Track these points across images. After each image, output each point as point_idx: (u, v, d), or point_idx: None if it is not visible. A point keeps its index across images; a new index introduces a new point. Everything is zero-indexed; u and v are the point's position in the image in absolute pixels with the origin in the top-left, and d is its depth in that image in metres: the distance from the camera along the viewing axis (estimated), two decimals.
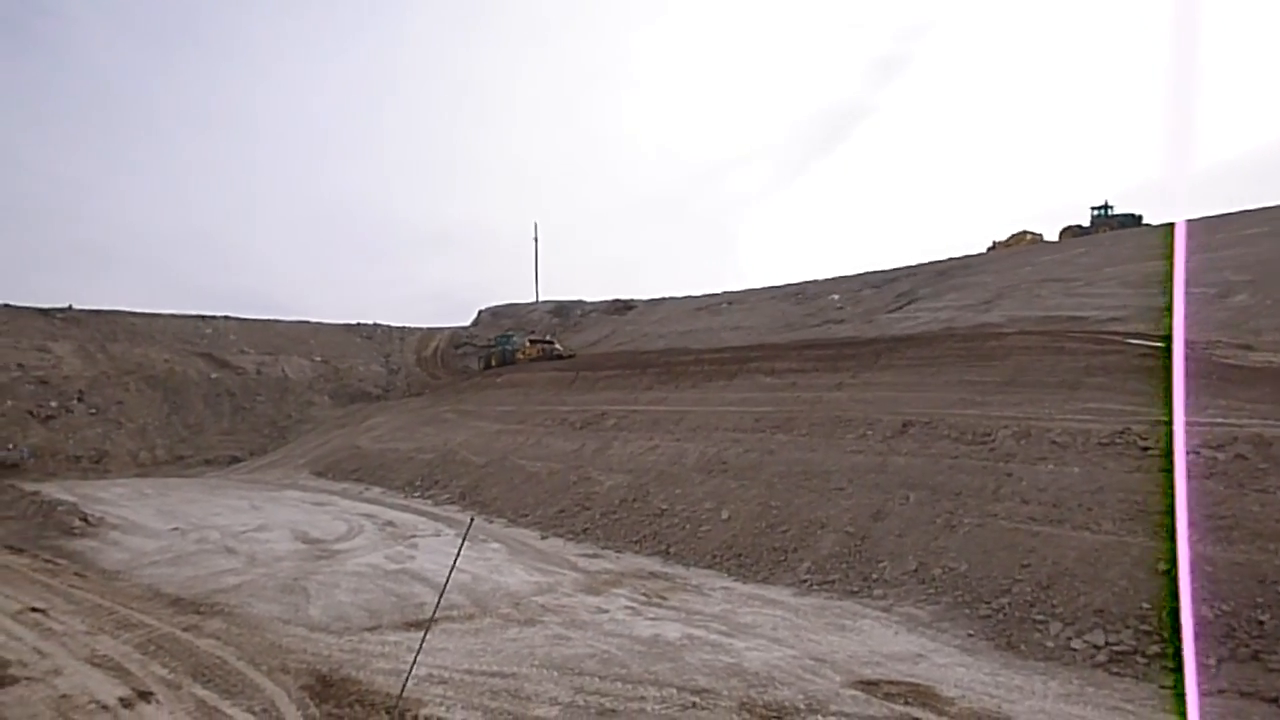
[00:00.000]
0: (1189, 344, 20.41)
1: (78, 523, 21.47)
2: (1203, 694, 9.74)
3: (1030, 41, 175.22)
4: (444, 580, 10.46)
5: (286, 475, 36.21)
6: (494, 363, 52.23)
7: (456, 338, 68.49)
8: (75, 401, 42.77)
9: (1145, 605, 11.53)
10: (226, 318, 60.06)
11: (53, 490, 28.12)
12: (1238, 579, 11.22)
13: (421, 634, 10.54)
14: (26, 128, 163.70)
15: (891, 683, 10.32)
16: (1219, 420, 15.11)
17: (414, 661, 9.37)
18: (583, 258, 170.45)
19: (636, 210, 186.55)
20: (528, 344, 51.28)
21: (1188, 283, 27.58)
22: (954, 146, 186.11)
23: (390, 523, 23.19)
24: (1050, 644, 11.74)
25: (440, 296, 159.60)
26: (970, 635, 12.50)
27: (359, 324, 67.51)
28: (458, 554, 9.72)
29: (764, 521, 18.22)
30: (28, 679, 10.00)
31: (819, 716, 9.14)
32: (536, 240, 78.83)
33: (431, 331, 70.36)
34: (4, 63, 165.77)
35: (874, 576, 15.15)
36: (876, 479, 17.95)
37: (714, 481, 20.87)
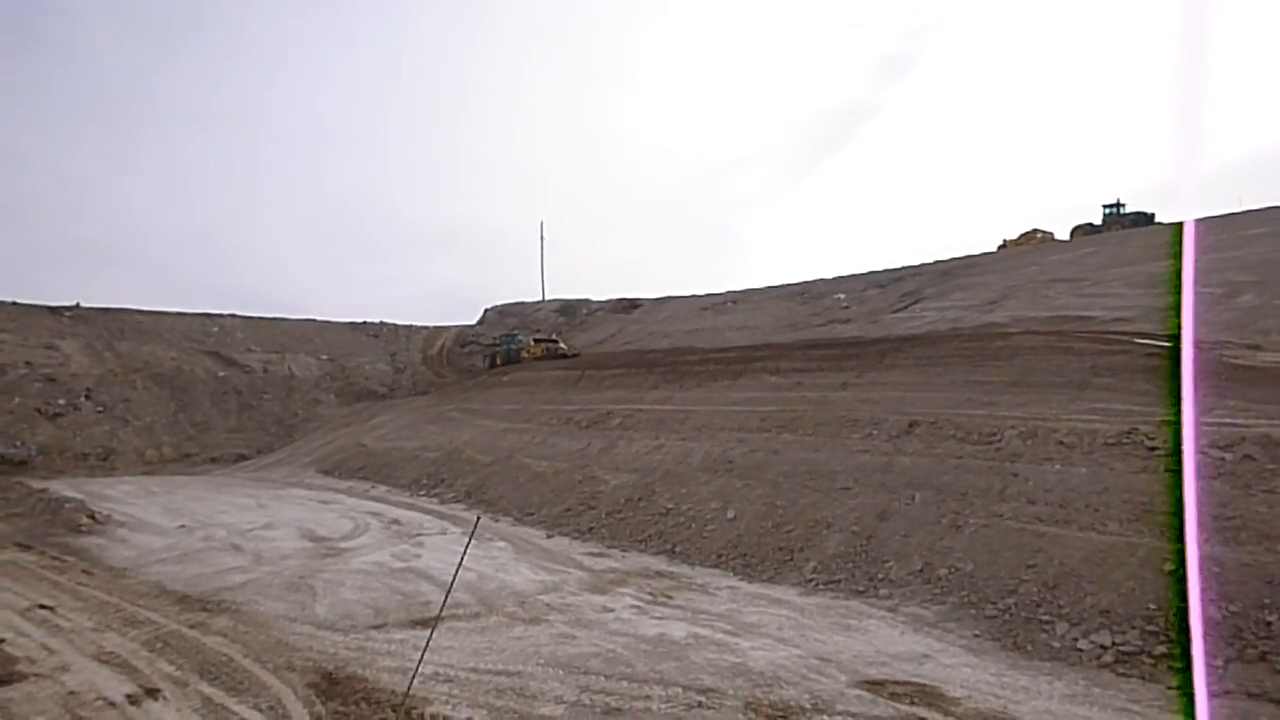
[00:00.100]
0: (1196, 344, 20.33)
1: (85, 520, 21.54)
2: (1210, 695, 9.70)
3: (1039, 39, 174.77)
4: (450, 578, 10.46)
5: (293, 473, 36.28)
6: (499, 361, 52.34)
7: (462, 336, 68.58)
8: (83, 399, 42.92)
9: (1152, 606, 11.48)
10: (233, 316, 60.25)
11: (60, 487, 28.21)
12: (1245, 580, 11.16)
13: (428, 632, 10.55)
14: (32, 126, 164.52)
15: (897, 683, 10.29)
16: (1226, 420, 15.04)
17: (420, 660, 9.37)
18: (589, 257, 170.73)
19: (643, 209, 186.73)
20: (532, 343, 51.40)
21: (1195, 283, 27.49)
22: (962, 146, 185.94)
23: (396, 521, 23.21)
24: (1056, 644, 11.70)
25: (446, 295, 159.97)
26: (976, 635, 12.47)
27: (365, 322, 67.67)
28: (464, 552, 9.73)
29: (769, 521, 18.19)
30: (35, 675, 10.03)
31: (824, 716, 9.12)
32: (542, 239, 79.02)
33: (437, 330, 70.48)
34: (9, 61, 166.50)
35: (879, 576, 15.12)
36: (882, 479, 17.91)
37: (719, 481, 20.85)
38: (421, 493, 28.98)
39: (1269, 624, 10.47)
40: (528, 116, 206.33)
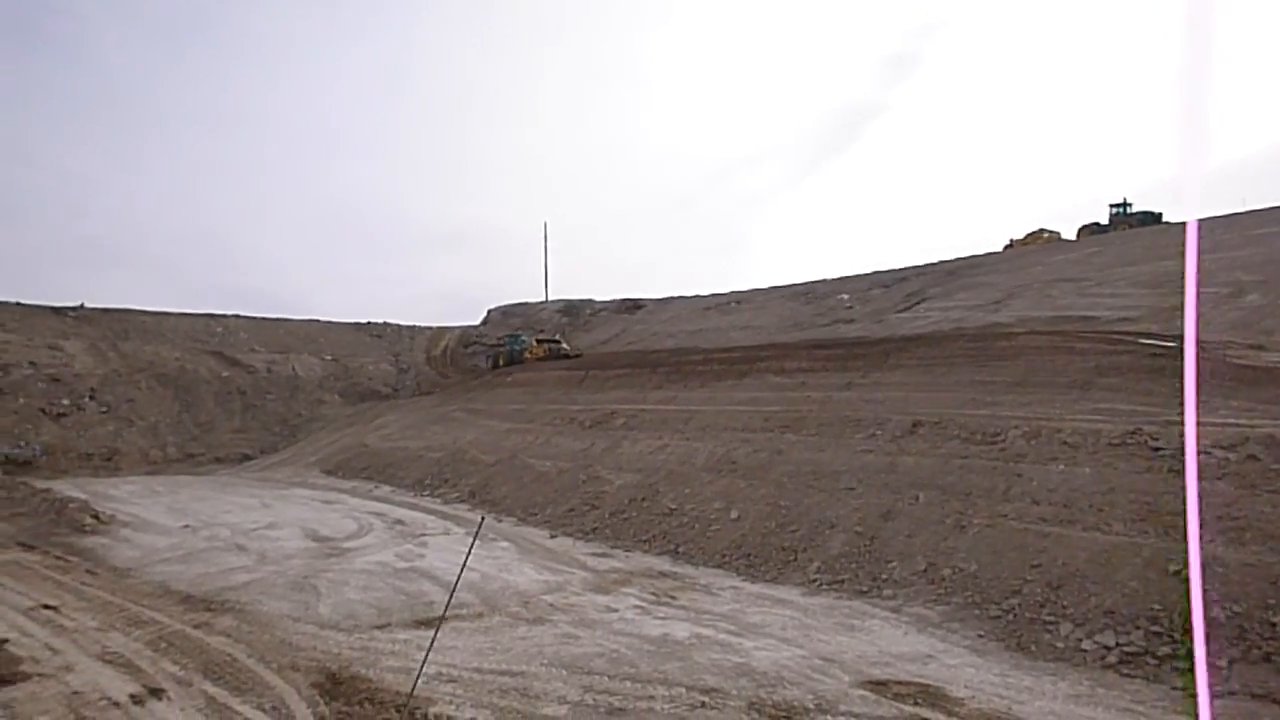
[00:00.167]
0: (1201, 344, 20.30)
1: (89, 520, 21.59)
2: (1215, 696, 9.69)
3: (1045, 37, 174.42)
4: (453, 578, 10.49)
5: (296, 473, 36.35)
6: (501, 362, 52.43)
7: (466, 336, 68.71)
8: (87, 399, 43.05)
9: (1156, 606, 11.47)
10: (237, 316, 60.41)
11: (64, 487, 28.28)
12: (1249, 580, 11.15)
13: (431, 632, 10.57)
14: (37, 125, 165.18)
15: (901, 683, 10.29)
16: (1231, 421, 15.02)
17: (424, 660, 9.38)
18: (593, 257, 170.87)
19: (647, 210, 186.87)
20: (535, 343, 51.49)
21: (1199, 282, 27.44)
22: (968, 145, 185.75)
23: (400, 521, 23.24)
24: (1060, 645, 11.69)
25: (450, 295, 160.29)
26: (980, 636, 12.46)
27: (369, 323, 67.79)
28: (468, 552, 9.74)
29: (773, 521, 18.19)
30: (39, 675, 10.06)
31: (828, 716, 9.12)
32: (546, 239, 79.54)
33: (441, 330, 70.61)
34: (15, 61, 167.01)
35: (883, 576, 15.11)
36: (886, 479, 17.90)
37: (723, 481, 20.85)
38: (425, 493, 29.02)
39: (1273, 625, 10.45)
40: (533, 117, 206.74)
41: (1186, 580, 11.44)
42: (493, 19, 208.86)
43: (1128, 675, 10.68)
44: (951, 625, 12.96)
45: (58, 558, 17.68)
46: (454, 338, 68.64)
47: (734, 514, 19.13)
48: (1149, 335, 21.64)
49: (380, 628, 12.71)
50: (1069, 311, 28.95)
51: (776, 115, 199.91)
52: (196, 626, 12.35)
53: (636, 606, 14.27)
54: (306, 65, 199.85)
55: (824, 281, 53.31)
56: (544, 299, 75.07)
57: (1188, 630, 10.78)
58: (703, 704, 9.40)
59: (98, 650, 11.08)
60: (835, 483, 18.56)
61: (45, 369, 43.81)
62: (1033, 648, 11.83)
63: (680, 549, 18.82)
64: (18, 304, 50.25)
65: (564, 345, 51.28)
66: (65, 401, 42.16)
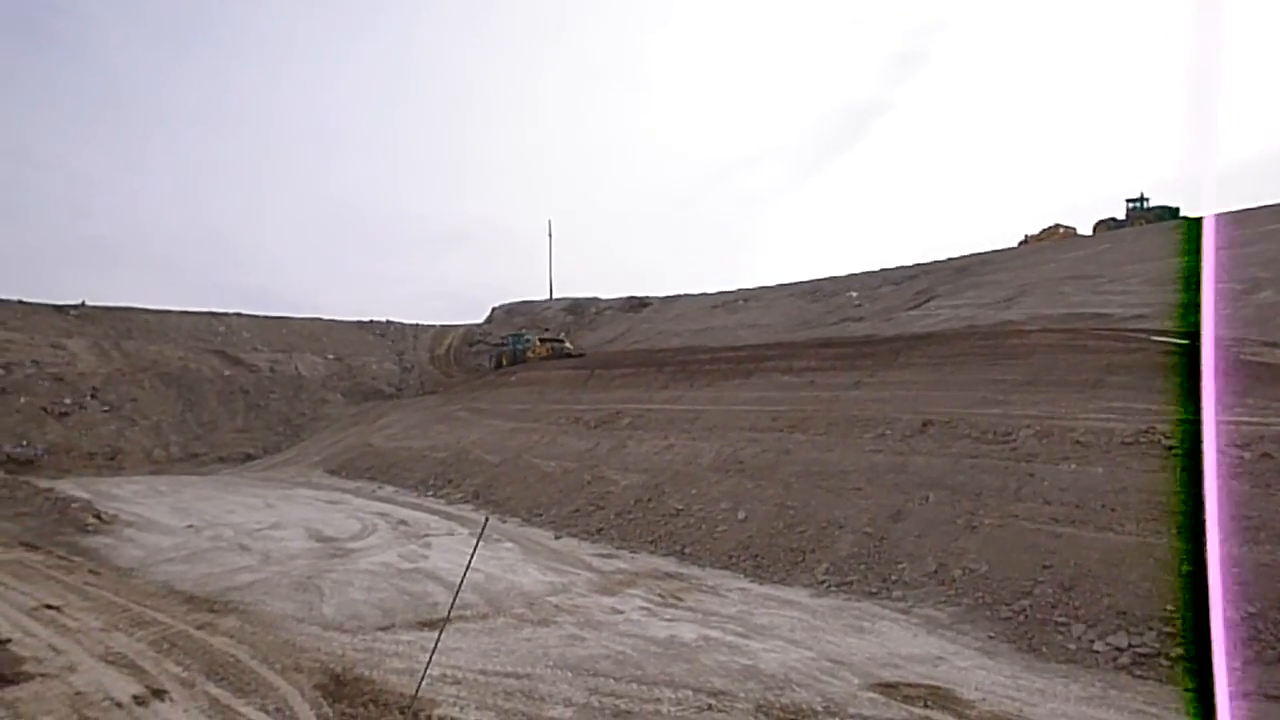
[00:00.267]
0: (1215, 341, 20.20)
1: (92, 520, 21.67)
2: (1229, 697, 9.65)
3: (1054, 30, 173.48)
4: (457, 579, 10.49)
5: (300, 473, 36.45)
6: (504, 361, 52.50)
7: (470, 335, 68.77)
8: (89, 398, 43.22)
9: (1169, 607, 11.43)
10: (239, 315, 60.56)
11: (67, 487, 28.39)
12: (1264, 580, 11.11)
13: (435, 633, 10.58)
14: (40, 124, 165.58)
15: (910, 685, 10.28)
16: (1245, 419, 14.95)
17: (429, 661, 9.40)
18: (598, 255, 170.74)
19: (652, 208, 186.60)
20: (538, 343, 51.56)
21: (1215, 279, 27.30)
22: (977, 141, 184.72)
23: (403, 521, 23.29)
24: (1072, 646, 11.66)
25: (454, 294, 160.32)
26: (991, 637, 12.44)
27: (372, 321, 67.90)
28: (473, 553, 9.74)
29: (781, 522, 18.18)
30: (43, 675, 10.10)
31: (836, 719, 9.11)
32: (551, 237, 79.35)
33: (445, 329, 70.68)
34: (19, 60, 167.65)
35: (893, 578, 15.10)
36: (895, 479, 17.88)
37: (730, 481, 20.84)
38: (429, 493, 29.07)
39: None
40: (537, 115, 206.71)
41: (1200, 581, 11.40)
42: (495, 18, 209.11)
43: (1140, 677, 10.66)
44: (962, 627, 12.94)
45: (61, 557, 17.76)
46: (458, 336, 68.72)
47: (741, 514, 19.13)
48: (1162, 333, 21.55)
49: (384, 629, 12.74)
50: (1081, 309, 28.84)
51: (781, 113, 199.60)
52: (200, 627, 12.39)
53: (642, 608, 14.27)
54: (309, 64, 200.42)
55: (832, 279, 53.14)
56: (549, 297, 75.09)
57: (1201, 631, 10.74)
58: (710, 706, 9.40)
59: (101, 651, 11.12)
60: (844, 483, 18.54)
61: (48, 368, 44.01)
62: (1044, 649, 11.81)
63: (687, 550, 18.82)
64: (20, 302, 50.48)
65: (567, 344, 51.33)
66: (68, 400, 42.34)
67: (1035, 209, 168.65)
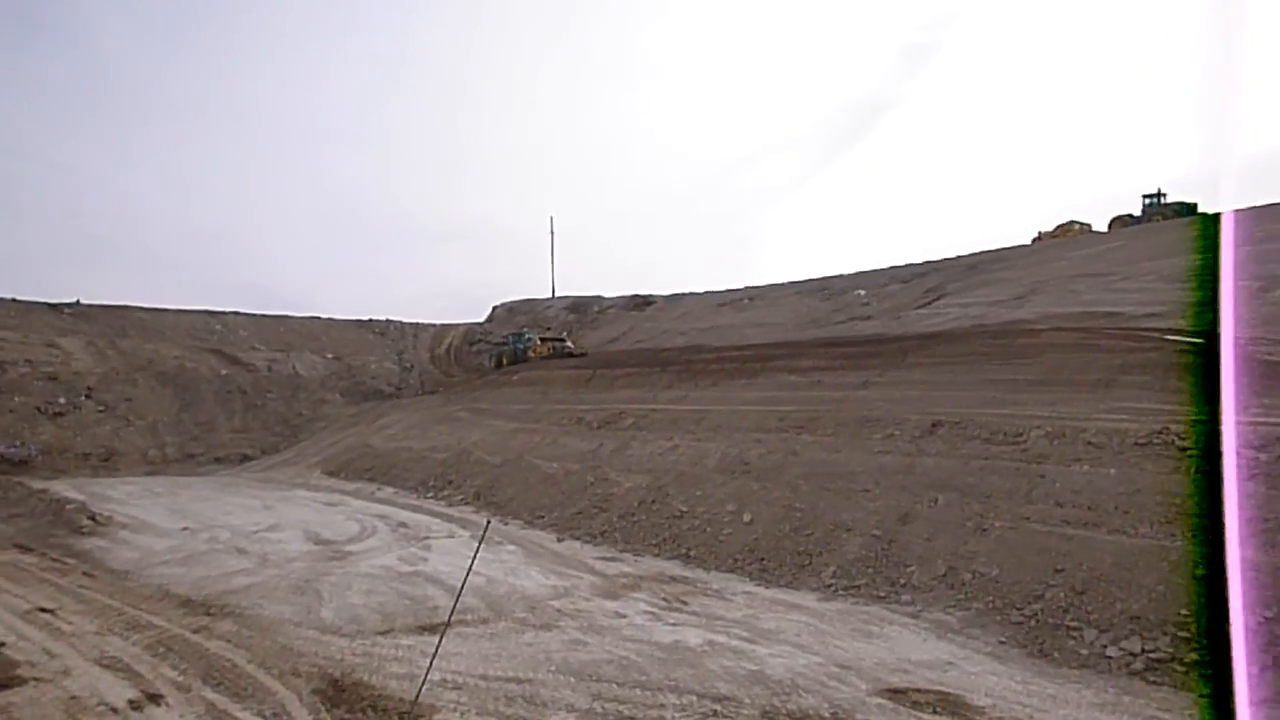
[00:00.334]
0: (1231, 340, 20.13)
1: (87, 521, 21.73)
2: (1246, 703, 9.62)
3: (1070, 22, 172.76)
4: (458, 583, 10.51)
5: (298, 474, 36.48)
6: (505, 361, 52.50)
7: (471, 334, 68.83)
8: (84, 398, 43.31)
9: (1183, 612, 11.41)
10: (236, 313, 60.68)
11: (62, 488, 28.46)
12: None
13: (436, 638, 10.58)
14: (32, 119, 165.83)
15: (920, 691, 10.27)
16: (1262, 419, 14.89)
17: (429, 666, 9.40)
18: (601, 253, 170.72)
19: (657, 204, 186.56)
20: (539, 342, 51.55)
21: (1226, 276, 27.21)
22: (989, 136, 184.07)
23: (403, 524, 23.31)
24: (1084, 651, 11.64)
25: (455, 292, 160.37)
26: (1001, 642, 12.42)
27: (371, 320, 67.97)
28: (474, 556, 9.74)
29: (787, 524, 18.17)
30: (37, 680, 10.13)
31: None
32: (553, 234, 79.30)
33: (445, 328, 70.75)
34: (12, 54, 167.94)
35: (901, 581, 15.08)
36: (904, 480, 17.86)
37: (736, 483, 20.83)
38: (429, 495, 29.09)
39: None
40: (538, 110, 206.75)
41: (1215, 585, 11.37)
42: (495, 10, 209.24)
43: (1154, 683, 10.64)
44: (972, 631, 12.93)
45: (55, 560, 17.80)
46: (459, 335, 68.77)
47: (747, 517, 19.12)
48: (1176, 331, 21.49)
49: (383, 633, 12.76)
50: (1094, 307, 28.76)
51: (788, 107, 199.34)
52: (196, 631, 12.42)
53: (647, 612, 14.27)
54: (307, 58, 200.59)
55: (840, 277, 53.09)
56: (551, 295, 75.11)
57: (1216, 636, 10.71)
58: (715, 712, 9.40)
59: (96, 654, 11.15)
60: (851, 484, 18.52)
61: (42, 367, 44.10)
62: (1056, 654, 11.79)
63: (692, 553, 18.82)
64: (14, 300, 50.61)
65: (569, 343, 51.35)
66: (63, 400, 42.44)
67: (1050, 205, 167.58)
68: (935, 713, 9.53)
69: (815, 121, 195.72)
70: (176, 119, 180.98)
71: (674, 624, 13.42)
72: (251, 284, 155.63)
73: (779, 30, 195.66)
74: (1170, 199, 48.14)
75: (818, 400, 24.33)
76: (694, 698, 9.85)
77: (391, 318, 69.31)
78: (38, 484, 28.79)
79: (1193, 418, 15.77)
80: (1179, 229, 39.16)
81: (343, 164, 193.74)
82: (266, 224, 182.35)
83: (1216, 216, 38.17)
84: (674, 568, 18.11)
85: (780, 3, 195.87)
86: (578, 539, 21.24)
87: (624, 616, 13.93)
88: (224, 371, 50.46)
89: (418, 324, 70.11)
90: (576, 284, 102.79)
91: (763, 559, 17.50)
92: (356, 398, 53.20)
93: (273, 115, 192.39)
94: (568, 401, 34.87)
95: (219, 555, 18.64)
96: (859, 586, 15.42)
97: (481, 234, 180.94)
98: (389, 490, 30.73)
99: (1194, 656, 10.78)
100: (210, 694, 9.76)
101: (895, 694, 10.15)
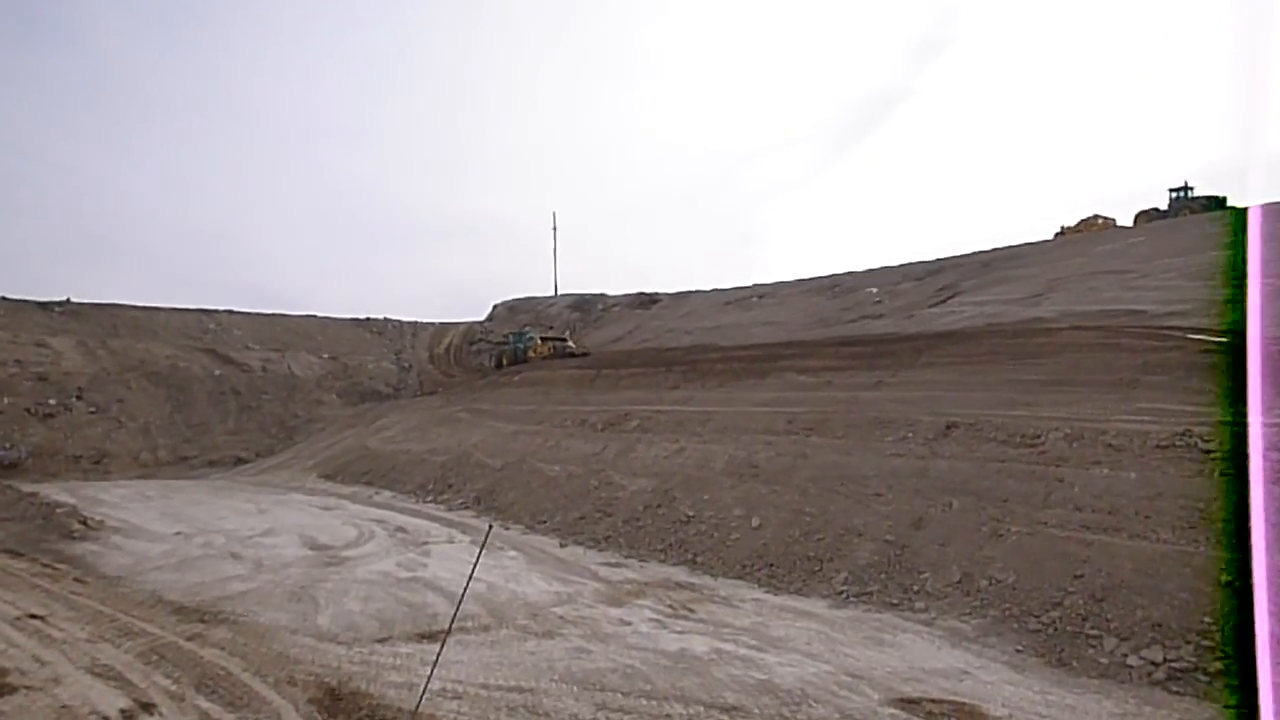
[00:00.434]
0: (1258, 339, 20.05)
1: (78, 526, 21.79)
2: (1273, 714, 9.59)
3: (1090, 8, 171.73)
4: (458, 589, 10.52)
5: (294, 477, 36.57)
6: (505, 361, 52.52)
7: (471, 333, 68.90)
8: (75, 399, 43.46)
9: (1207, 619, 11.37)
10: (230, 312, 60.85)
11: (52, 491, 28.58)
12: None
13: (437, 646, 10.60)
14: (24, 114, 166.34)
15: (934, 701, 10.25)
16: None
17: (430, 675, 9.42)
18: (605, 250, 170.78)
19: (661, 202, 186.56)
20: (539, 341, 51.56)
21: (1254, 273, 27.10)
22: (1006, 128, 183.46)
23: (402, 528, 23.35)
24: (1104, 660, 11.61)
25: (455, 290, 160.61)
26: (1018, 651, 12.40)
27: (369, 319, 68.11)
28: (475, 562, 9.76)
29: (797, 529, 18.15)
30: (27, 688, 10.16)
31: None
32: (555, 231, 78.95)
33: (445, 327, 70.85)
34: (9, 51, 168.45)
35: (915, 588, 15.06)
36: (917, 484, 17.83)
37: (744, 486, 20.82)
38: (428, 499, 29.14)
39: None
40: (540, 105, 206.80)
41: (1240, 591, 11.33)
42: (495, 6, 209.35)
43: (1176, 693, 10.61)
44: (988, 639, 12.90)
45: (45, 565, 17.86)
46: (459, 334, 68.85)
47: (755, 521, 19.11)
48: (1199, 330, 21.42)
49: (382, 640, 12.78)
50: (1114, 305, 28.67)
51: (796, 101, 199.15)
52: (190, 638, 12.45)
53: (652, 619, 14.28)
54: (305, 54, 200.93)
55: (850, 274, 53.02)
56: (553, 294, 75.12)
57: (1241, 645, 10.68)
58: None
59: (87, 662, 11.18)
60: (863, 488, 18.50)
61: (32, 367, 44.26)
62: (1075, 663, 11.76)
63: (698, 558, 18.82)
64: (3, 299, 50.82)
65: (570, 343, 51.36)
66: (53, 401, 42.58)
67: (1075, 200, 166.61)
68: None
69: (824, 115, 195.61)
70: (175, 117, 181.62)
71: (680, 632, 13.43)
72: (250, 283, 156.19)
73: (785, 22, 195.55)
74: (1199, 192, 47.89)
75: (828, 401, 24.30)
76: (701, 708, 9.85)
77: (390, 316, 69.55)
78: (28, 487, 28.90)
79: (1217, 419, 15.70)
80: (1204, 224, 39.03)
81: (342, 161, 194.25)
82: (265, 222, 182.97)
83: (1245, 211, 37.99)
84: (680, 574, 18.11)
85: None
86: (581, 544, 21.25)
87: (629, 624, 13.94)
88: (217, 372, 50.59)
89: (416, 323, 70.23)
90: (580, 282, 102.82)
91: (771, 565, 17.49)
92: (354, 399, 53.28)
93: (272, 112, 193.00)
94: (571, 402, 34.88)
95: (213, 561, 18.69)
96: (871, 593, 15.40)
97: (482, 230, 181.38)
98: (387, 494, 30.78)
99: (1218, 666, 10.75)
100: (204, 703, 9.79)
101: (908, 704, 10.14)
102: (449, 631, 11.09)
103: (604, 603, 15.50)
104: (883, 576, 15.67)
